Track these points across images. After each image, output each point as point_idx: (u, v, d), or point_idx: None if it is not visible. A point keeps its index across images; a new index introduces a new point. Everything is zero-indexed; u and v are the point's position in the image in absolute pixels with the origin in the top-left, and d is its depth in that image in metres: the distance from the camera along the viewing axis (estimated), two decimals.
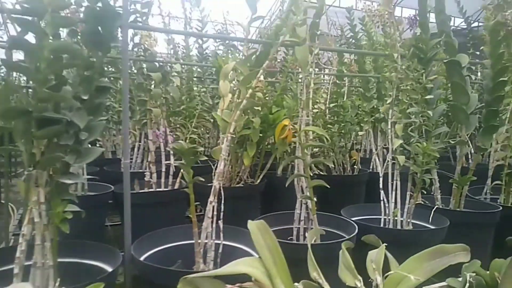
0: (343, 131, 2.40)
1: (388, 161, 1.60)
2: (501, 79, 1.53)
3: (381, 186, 1.61)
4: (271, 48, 1.37)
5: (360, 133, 2.81)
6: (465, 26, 3.12)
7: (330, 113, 2.48)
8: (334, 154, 2.51)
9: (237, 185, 2.04)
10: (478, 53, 2.94)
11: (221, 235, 1.24)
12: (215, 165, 2.10)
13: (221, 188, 1.25)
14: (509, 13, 1.78)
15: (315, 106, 2.53)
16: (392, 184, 1.59)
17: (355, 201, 2.27)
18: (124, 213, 1.15)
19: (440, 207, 1.72)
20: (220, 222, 1.27)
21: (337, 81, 2.50)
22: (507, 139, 1.87)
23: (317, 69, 2.96)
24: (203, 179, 1.23)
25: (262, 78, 1.52)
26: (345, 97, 2.50)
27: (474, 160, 1.71)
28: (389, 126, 1.59)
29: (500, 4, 1.86)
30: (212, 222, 1.24)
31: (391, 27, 1.59)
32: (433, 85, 1.66)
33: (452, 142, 1.71)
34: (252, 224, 0.79)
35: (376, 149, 2.59)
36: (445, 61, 1.69)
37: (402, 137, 1.60)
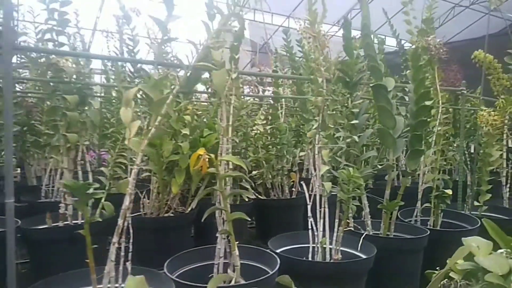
0: (279, 154, 2.36)
1: (316, 187, 1.55)
2: (423, 103, 1.54)
3: (309, 213, 1.55)
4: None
5: (301, 153, 2.79)
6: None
7: (269, 134, 2.44)
8: (272, 177, 2.46)
9: (166, 215, 1.92)
10: None
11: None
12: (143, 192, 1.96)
13: (130, 225, 1.14)
14: (431, 38, 1.82)
15: (254, 128, 2.48)
16: (320, 211, 1.53)
17: (292, 225, 2.21)
18: (7, 261, 1.00)
19: (370, 233, 1.69)
20: (128, 264, 1.15)
21: (274, 103, 2.46)
22: (434, 161, 1.89)
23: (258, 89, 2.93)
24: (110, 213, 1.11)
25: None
26: (282, 119, 2.47)
27: (402, 184, 1.70)
28: (316, 152, 1.55)
29: (423, 29, 1.91)
30: (118, 264, 1.12)
31: (315, 51, 1.56)
32: (359, 110, 1.64)
33: (380, 166, 1.70)
34: (131, 281, 0.68)
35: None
36: (371, 85, 1.68)
37: (330, 162, 1.56)
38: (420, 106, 1.54)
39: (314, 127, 1.55)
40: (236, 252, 1.27)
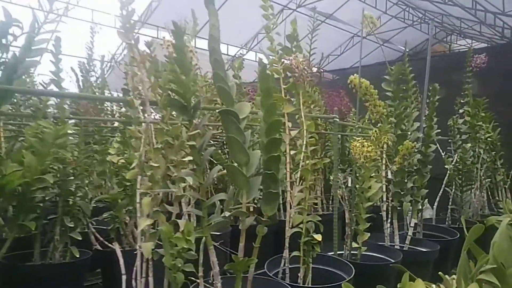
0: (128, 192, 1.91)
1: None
2: (274, 136, 1.24)
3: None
4: None
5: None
6: None
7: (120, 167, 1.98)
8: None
9: None
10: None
11: None
12: None
13: None
14: (294, 58, 1.56)
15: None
16: (141, 281, 1.12)
17: None
18: None
19: None
20: None
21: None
22: (303, 200, 1.61)
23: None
24: None
25: None
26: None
27: (258, 233, 1.37)
28: (138, 199, 1.15)
29: (286, 47, 1.64)
30: None
31: (138, 66, 1.18)
32: (202, 142, 1.29)
33: (231, 212, 1.35)
34: None
35: None
36: (218, 111, 1.35)
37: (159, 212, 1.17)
38: (271, 139, 1.24)
39: (132, 166, 1.15)
40: None
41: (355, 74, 2.08)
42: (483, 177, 2.93)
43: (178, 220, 1.12)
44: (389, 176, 2.20)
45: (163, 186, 1.15)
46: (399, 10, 10.96)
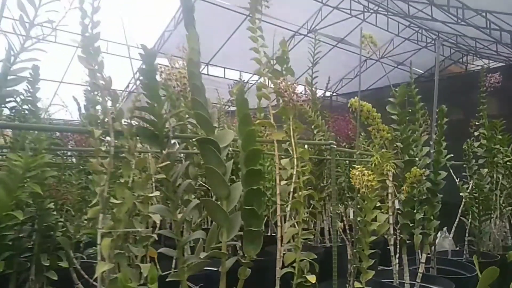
0: None
1: None
2: (253, 166, 1.11)
3: None
4: None
5: None
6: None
7: None
8: None
9: None
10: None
11: None
12: None
13: None
14: (283, 81, 1.44)
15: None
16: None
17: None
18: None
19: None
20: None
21: None
22: (296, 236, 1.45)
23: None
24: None
25: None
26: None
27: (240, 277, 1.22)
28: (99, 240, 1.02)
29: (276, 70, 1.54)
30: None
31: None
32: (175, 175, 1.17)
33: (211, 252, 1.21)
34: None
35: None
36: (195, 139, 1.23)
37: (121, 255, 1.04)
38: (250, 170, 1.11)
39: (93, 203, 1.04)
40: None
41: (355, 97, 1.95)
42: (503, 205, 2.71)
43: (141, 264, 0.98)
44: (397, 206, 2.02)
45: (129, 225, 1.03)
46: (412, 32, 10.86)
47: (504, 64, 10.02)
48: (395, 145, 2.07)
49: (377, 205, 1.81)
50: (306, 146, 1.93)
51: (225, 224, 1.19)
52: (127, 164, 1.04)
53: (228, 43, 9.60)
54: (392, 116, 2.14)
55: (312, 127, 2.70)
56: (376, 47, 2.01)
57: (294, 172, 1.40)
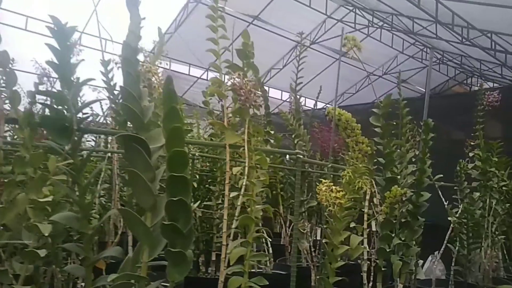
0: None
1: None
2: (177, 172, 0.90)
3: None
4: None
5: None
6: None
7: None
8: None
9: None
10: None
11: None
12: None
13: None
14: (238, 76, 1.25)
15: None
16: None
17: None
18: None
19: None
20: None
21: None
22: (244, 257, 1.24)
23: None
24: None
25: None
26: None
27: None
28: None
29: (235, 65, 1.35)
30: None
31: None
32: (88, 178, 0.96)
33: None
34: None
35: None
36: (117, 136, 1.04)
37: None
38: (172, 176, 0.91)
39: None
40: None
41: (331, 105, 1.76)
42: (496, 233, 2.49)
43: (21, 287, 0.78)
44: (374, 228, 1.82)
45: (14, 235, 0.83)
46: (416, 50, 10.71)
47: (506, 84, 9.83)
48: (375, 160, 1.88)
49: (351, 226, 1.61)
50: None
51: (146, 241, 0.98)
52: (20, 159, 0.85)
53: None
54: (376, 129, 1.95)
55: (293, 136, 2.51)
56: (360, 51, 1.82)
57: (244, 183, 1.20)
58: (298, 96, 2.62)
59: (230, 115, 1.30)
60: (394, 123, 1.93)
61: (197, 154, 1.92)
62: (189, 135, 2.55)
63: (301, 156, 1.46)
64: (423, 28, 8.07)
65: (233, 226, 1.18)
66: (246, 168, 1.21)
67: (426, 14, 6.39)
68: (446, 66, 11.30)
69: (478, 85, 12.29)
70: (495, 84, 10.94)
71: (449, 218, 2.32)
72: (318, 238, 1.62)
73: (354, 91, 12.15)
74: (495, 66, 9.38)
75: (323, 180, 1.41)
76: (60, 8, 6.82)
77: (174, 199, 0.89)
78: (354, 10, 8.83)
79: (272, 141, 2.29)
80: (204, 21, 1.40)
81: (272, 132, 2.30)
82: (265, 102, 2.32)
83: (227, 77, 1.28)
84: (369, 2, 8.26)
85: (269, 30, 9.34)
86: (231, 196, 1.23)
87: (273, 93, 10.99)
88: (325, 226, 1.51)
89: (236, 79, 1.22)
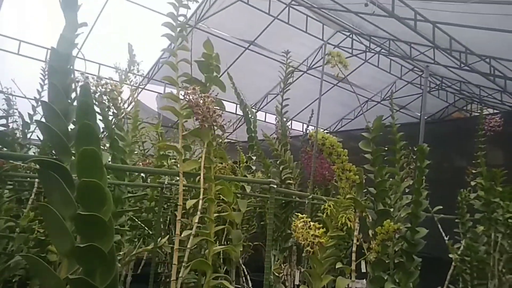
0: None
1: None
2: (92, 207, 0.69)
3: None
4: None
5: None
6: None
7: None
8: None
9: None
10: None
11: None
12: None
13: None
14: (192, 91, 1.06)
15: None
16: None
17: None
18: None
19: None
20: None
21: None
22: None
23: None
24: None
25: None
26: None
27: None
28: None
29: (194, 78, 1.16)
30: None
31: None
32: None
33: None
34: None
35: None
36: (31, 160, 0.83)
37: None
38: (83, 216, 0.70)
39: None
40: None
41: (314, 129, 1.56)
42: (503, 271, 2.25)
43: None
44: (363, 269, 1.58)
45: None
46: (415, 76, 10.63)
47: (506, 110, 9.68)
48: (365, 190, 1.66)
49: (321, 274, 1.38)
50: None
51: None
52: None
53: None
54: (366, 155, 1.74)
55: (278, 162, 2.30)
56: (347, 68, 1.64)
57: (198, 211, 0.99)
58: (284, 119, 2.43)
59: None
60: (386, 148, 1.73)
61: (166, 182, 1.70)
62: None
63: (274, 186, 1.25)
64: (420, 53, 7.99)
65: (181, 274, 0.95)
66: (200, 202, 1.00)
67: (423, 39, 6.30)
68: (446, 92, 11.20)
69: (478, 110, 12.17)
70: (495, 110, 10.79)
71: (450, 255, 2.08)
72: (297, 283, 1.39)
73: (353, 117, 12.01)
74: (495, 92, 9.26)
75: (299, 215, 1.20)
76: None
77: (81, 245, 0.67)
78: (351, 36, 8.79)
79: (253, 168, 2.08)
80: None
81: (254, 158, 2.09)
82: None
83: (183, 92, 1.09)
84: (366, 28, 8.21)
85: (266, 55, 9.27)
86: (182, 236, 1.01)
87: (270, 118, 10.84)
88: (302, 270, 1.28)
89: (191, 95, 1.02)
